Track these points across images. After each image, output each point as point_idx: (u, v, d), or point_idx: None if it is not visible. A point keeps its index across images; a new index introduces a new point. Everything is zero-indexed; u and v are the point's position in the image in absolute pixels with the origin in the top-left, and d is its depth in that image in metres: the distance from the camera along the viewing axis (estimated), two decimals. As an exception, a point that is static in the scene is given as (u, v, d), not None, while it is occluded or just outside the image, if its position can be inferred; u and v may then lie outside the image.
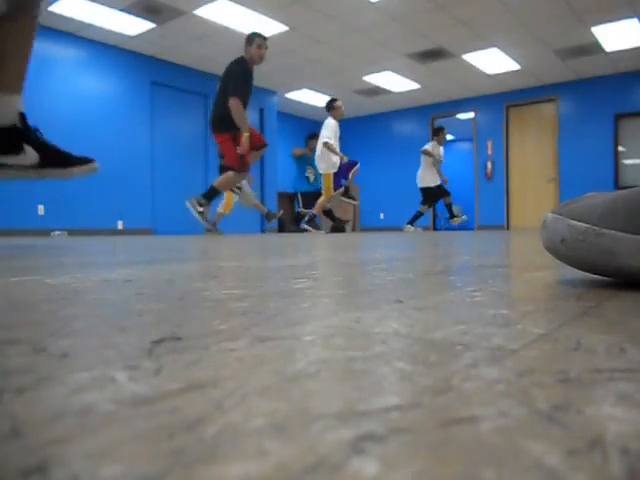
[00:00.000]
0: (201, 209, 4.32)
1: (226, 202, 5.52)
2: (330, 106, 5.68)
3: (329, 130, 5.62)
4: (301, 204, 6.77)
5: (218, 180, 4.43)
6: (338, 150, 5.66)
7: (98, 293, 0.48)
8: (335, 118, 5.68)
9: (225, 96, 4.25)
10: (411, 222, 6.99)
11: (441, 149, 6.85)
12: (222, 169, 4.91)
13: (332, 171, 5.68)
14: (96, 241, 2.64)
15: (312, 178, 6.84)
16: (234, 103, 4.17)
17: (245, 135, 4.23)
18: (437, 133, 6.84)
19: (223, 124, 4.30)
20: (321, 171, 5.73)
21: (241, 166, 4.32)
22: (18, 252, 1.40)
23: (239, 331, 0.29)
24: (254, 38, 4.28)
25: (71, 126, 6.14)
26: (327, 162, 5.65)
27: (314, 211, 5.72)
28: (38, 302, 0.42)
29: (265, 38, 4.33)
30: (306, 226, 5.65)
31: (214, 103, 4.39)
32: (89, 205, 6.31)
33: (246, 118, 4.28)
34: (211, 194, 4.38)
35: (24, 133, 1.46)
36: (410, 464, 0.12)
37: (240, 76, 4.23)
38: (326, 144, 5.58)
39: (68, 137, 6.11)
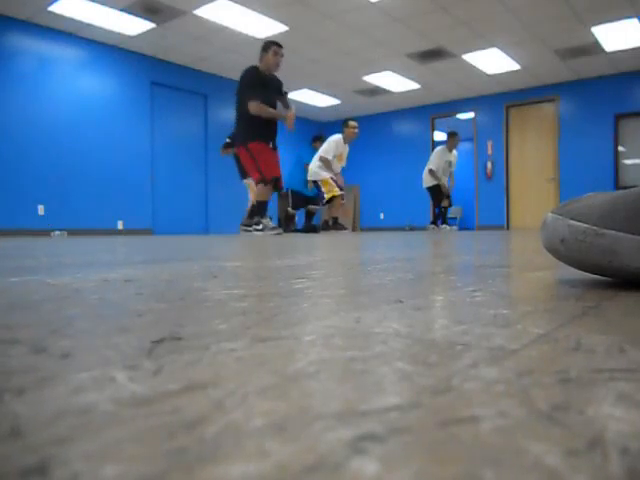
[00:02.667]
0: (260, 227, 4.40)
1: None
2: (344, 124, 5.90)
3: (330, 146, 5.78)
4: (291, 203, 6.75)
5: (254, 196, 4.55)
6: (333, 168, 5.79)
7: (98, 293, 0.48)
8: (345, 138, 5.82)
9: (240, 107, 4.34)
10: (443, 221, 7.06)
11: (454, 153, 6.93)
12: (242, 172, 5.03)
13: (328, 176, 5.81)
14: (96, 241, 2.64)
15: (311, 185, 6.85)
16: (252, 105, 4.23)
17: (285, 115, 4.37)
18: (448, 138, 6.90)
19: (239, 135, 4.43)
20: (314, 178, 5.86)
21: (262, 179, 4.39)
22: (18, 252, 1.40)
23: (239, 331, 0.29)
24: (270, 45, 4.34)
25: (71, 126, 6.14)
26: (322, 174, 5.79)
27: (333, 214, 5.85)
28: (38, 302, 0.42)
29: (281, 46, 4.39)
30: (332, 230, 5.78)
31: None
32: (89, 205, 6.31)
33: (273, 112, 4.36)
34: (258, 210, 4.44)
35: None
36: (410, 464, 0.12)
37: (249, 81, 4.29)
38: (322, 158, 5.75)
39: (68, 137, 6.11)
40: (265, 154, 4.39)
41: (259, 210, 4.42)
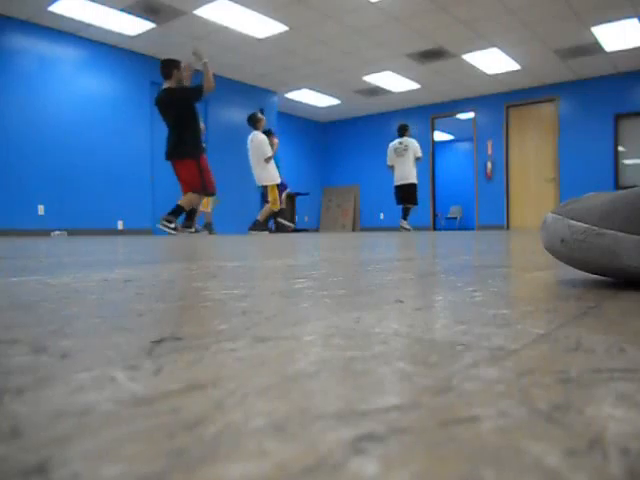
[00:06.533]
0: (172, 225, 4.82)
1: (204, 202, 5.62)
2: (255, 119, 6.00)
3: (266, 145, 5.92)
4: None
5: (182, 200, 4.94)
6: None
7: (98, 293, 0.48)
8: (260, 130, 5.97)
9: (177, 125, 4.78)
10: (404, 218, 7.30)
11: (405, 139, 7.08)
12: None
13: (277, 182, 5.95)
14: (96, 241, 2.64)
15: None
16: (205, 85, 4.67)
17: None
18: (406, 130, 6.99)
19: (178, 151, 4.84)
20: (264, 183, 5.97)
21: (202, 189, 4.87)
22: (18, 252, 1.40)
23: (239, 331, 0.29)
24: (178, 64, 4.85)
25: (71, 126, 6.14)
26: (269, 174, 5.92)
27: (259, 217, 5.98)
28: (38, 302, 0.42)
29: (180, 62, 4.92)
30: (253, 232, 5.87)
31: (167, 135, 4.90)
32: (89, 205, 6.31)
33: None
34: (177, 212, 4.86)
35: None
36: (410, 464, 0.12)
37: (183, 93, 4.79)
38: (269, 159, 5.93)
39: (68, 137, 6.10)
40: (209, 169, 4.94)
41: (180, 212, 4.87)
